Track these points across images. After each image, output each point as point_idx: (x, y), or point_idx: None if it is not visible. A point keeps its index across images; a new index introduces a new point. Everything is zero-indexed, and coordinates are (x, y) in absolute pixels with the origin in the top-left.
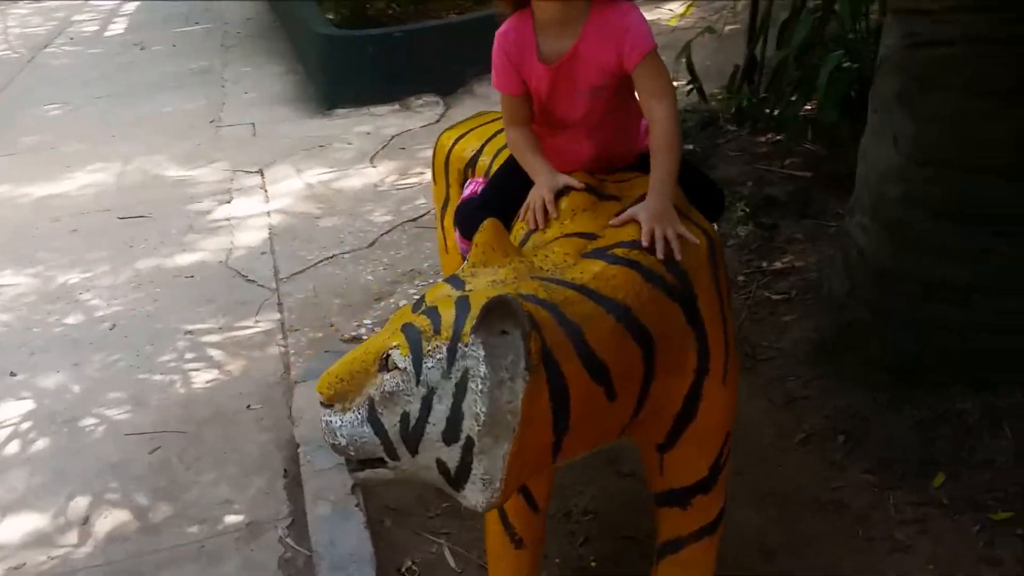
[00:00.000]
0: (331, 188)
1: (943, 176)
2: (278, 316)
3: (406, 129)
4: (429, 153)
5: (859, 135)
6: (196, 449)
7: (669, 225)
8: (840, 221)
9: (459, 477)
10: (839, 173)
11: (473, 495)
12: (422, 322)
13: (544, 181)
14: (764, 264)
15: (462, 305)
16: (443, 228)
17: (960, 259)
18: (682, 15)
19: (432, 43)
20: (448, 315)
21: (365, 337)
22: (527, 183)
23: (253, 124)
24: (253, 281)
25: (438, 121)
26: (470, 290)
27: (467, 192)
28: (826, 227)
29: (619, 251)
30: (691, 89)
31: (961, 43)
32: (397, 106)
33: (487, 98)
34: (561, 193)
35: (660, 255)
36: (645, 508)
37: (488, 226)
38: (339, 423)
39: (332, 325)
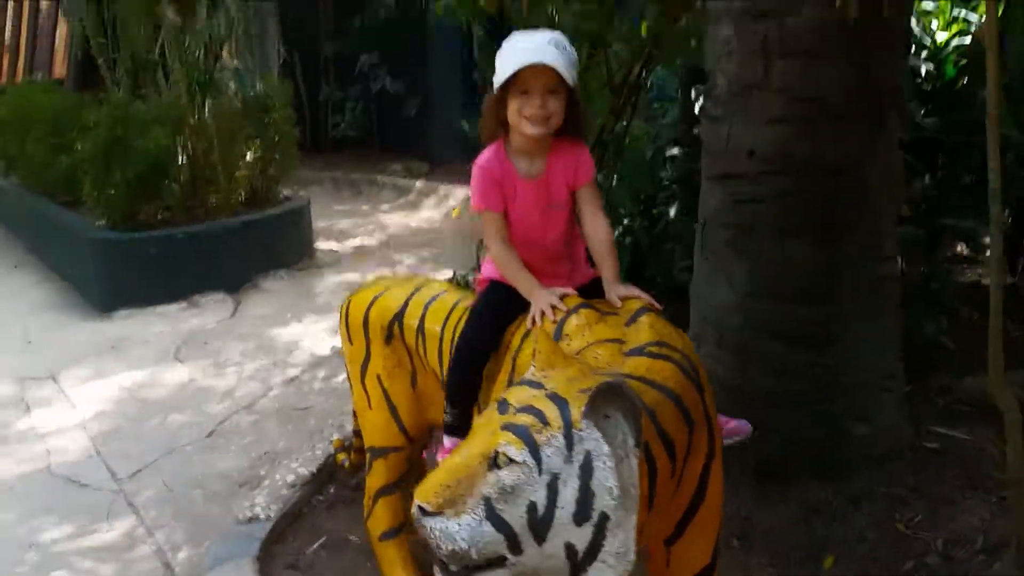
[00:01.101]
0: (143, 386)
1: (774, 305)
2: (133, 517)
3: (204, 326)
4: (234, 346)
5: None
6: None
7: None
8: None
9: (587, 558)
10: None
11: (601, 573)
12: (524, 419)
13: (542, 292)
14: None
15: (557, 399)
16: (364, 386)
17: (794, 373)
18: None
19: (216, 243)
20: (550, 409)
21: (262, 517)
22: (505, 312)
23: (24, 333)
24: (88, 485)
25: (232, 316)
26: (553, 388)
27: (441, 455)
28: None
29: (652, 348)
30: None
31: (773, 198)
32: (185, 304)
33: (275, 293)
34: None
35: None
36: None
37: (543, 337)
38: (456, 527)
39: (202, 518)
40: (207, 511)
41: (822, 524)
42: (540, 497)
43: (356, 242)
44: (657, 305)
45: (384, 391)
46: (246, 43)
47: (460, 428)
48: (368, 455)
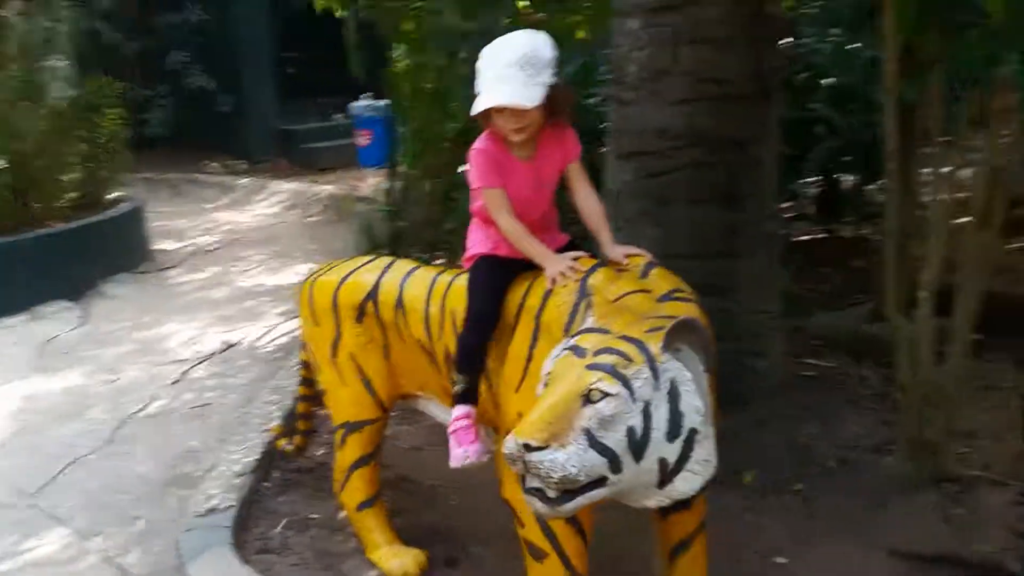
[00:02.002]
0: (18, 400)
1: (684, 263)
2: (62, 528)
3: (58, 335)
4: (101, 353)
5: None
6: None
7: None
8: None
9: (675, 470)
10: None
11: (688, 482)
12: (608, 359)
13: (556, 257)
14: None
15: (630, 340)
16: (336, 364)
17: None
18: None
19: (50, 250)
20: (628, 348)
21: (222, 507)
22: (502, 281)
23: None
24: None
25: (84, 323)
26: (621, 331)
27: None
28: None
29: (678, 294)
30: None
31: (683, 171)
32: (27, 316)
33: (124, 297)
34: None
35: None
36: None
37: (599, 292)
38: (565, 457)
39: (139, 518)
40: (143, 513)
41: (738, 446)
42: (637, 422)
43: (195, 242)
44: (655, 259)
45: (358, 366)
46: (68, 42)
47: (469, 394)
48: (341, 431)
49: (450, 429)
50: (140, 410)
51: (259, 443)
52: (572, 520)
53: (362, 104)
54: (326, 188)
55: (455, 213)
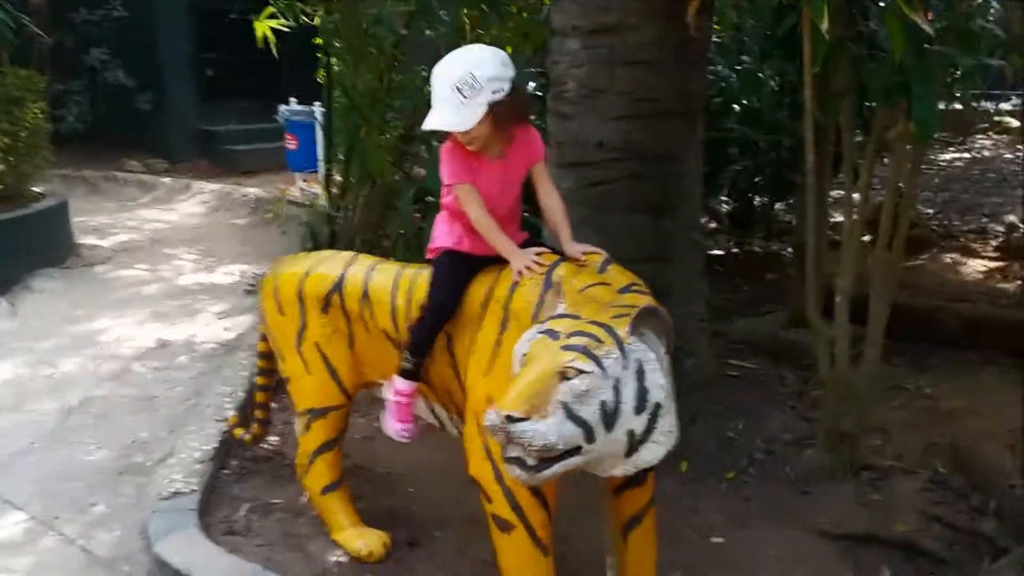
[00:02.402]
0: None
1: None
2: (19, 513)
3: None
4: (36, 347)
5: None
6: None
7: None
8: None
9: (641, 440)
10: None
11: (652, 451)
12: (580, 340)
13: (520, 252)
14: None
15: (599, 325)
16: (301, 353)
17: None
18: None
19: None
20: (598, 331)
21: (186, 492)
22: (464, 274)
23: None
24: None
25: (13, 318)
26: (589, 317)
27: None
28: None
29: (635, 287)
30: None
31: (620, 181)
32: None
33: (54, 292)
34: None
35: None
36: None
37: (568, 283)
38: (544, 428)
39: (96, 504)
40: (99, 499)
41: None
42: (609, 397)
43: (120, 239)
44: (610, 257)
45: (323, 356)
46: None
47: (415, 373)
48: (305, 418)
49: (392, 398)
50: (83, 403)
51: (215, 433)
52: (537, 493)
53: (290, 108)
54: (252, 190)
55: (396, 219)
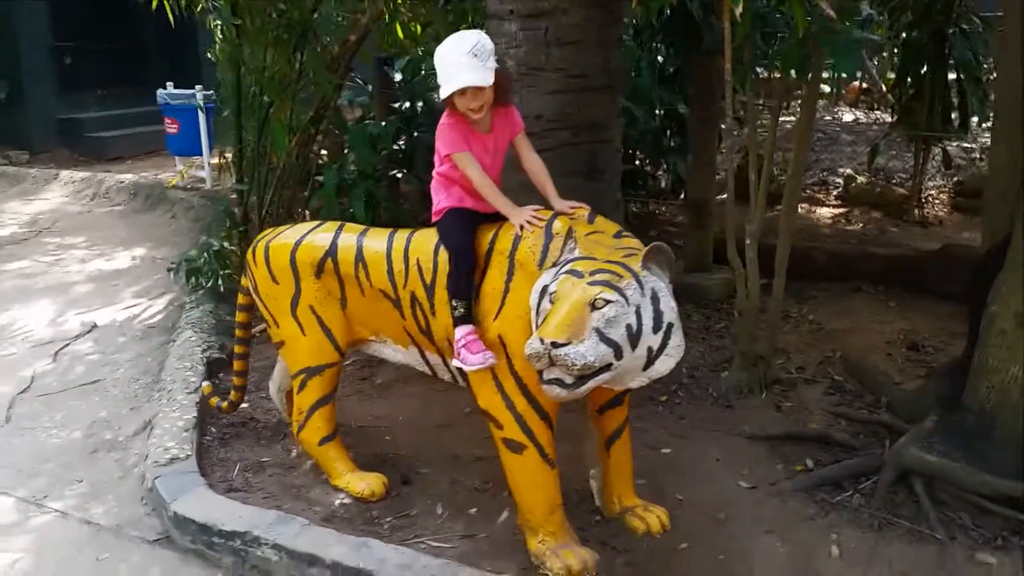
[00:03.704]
0: None
1: None
2: (6, 498)
3: None
4: None
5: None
6: None
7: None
8: None
9: (657, 354)
10: None
11: (665, 363)
12: (603, 276)
13: (518, 209)
14: None
15: (614, 263)
16: (296, 317)
17: None
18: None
19: None
20: (615, 268)
21: (183, 457)
22: (472, 226)
23: None
24: None
25: None
26: (604, 257)
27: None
28: None
29: (625, 233)
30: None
31: (557, 148)
32: None
33: None
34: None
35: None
36: None
37: (580, 230)
38: (584, 349)
39: (80, 480)
40: (82, 475)
41: None
42: (633, 321)
43: (1, 233)
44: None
45: (318, 317)
46: None
47: (467, 317)
48: (301, 377)
49: (460, 343)
50: (26, 392)
51: (189, 403)
52: (544, 416)
53: (170, 92)
54: (126, 177)
55: (320, 192)
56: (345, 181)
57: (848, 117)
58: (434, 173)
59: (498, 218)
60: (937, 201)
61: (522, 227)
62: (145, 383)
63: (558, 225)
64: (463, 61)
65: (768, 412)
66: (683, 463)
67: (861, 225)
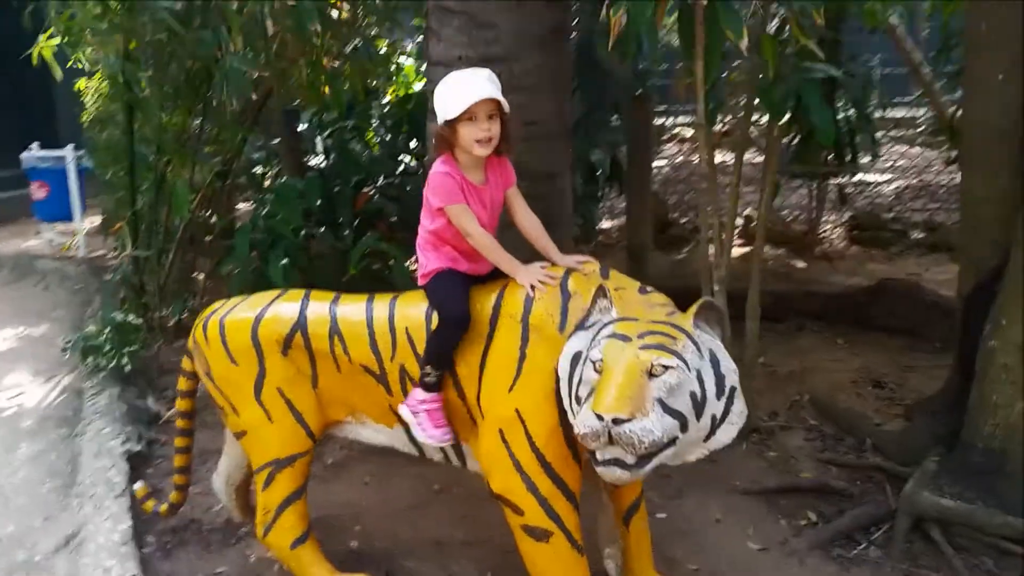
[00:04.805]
0: None
1: None
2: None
3: None
4: None
5: None
6: None
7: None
8: None
9: (719, 423)
10: None
11: (727, 432)
12: (655, 339)
13: (525, 268)
14: None
15: (664, 324)
16: (261, 402)
17: None
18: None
19: None
20: (665, 328)
21: None
22: (466, 289)
23: None
24: None
25: None
26: (648, 318)
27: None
28: None
29: (648, 288)
30: None
31: None
32: None
33: None
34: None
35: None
36: None
37: (613, 290)
38: (650, 425)
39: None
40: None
41: None
42: (696, 387)
43: None
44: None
45: (287, 400)
46: None
47: (437, 385)
48: (268, 471)
49: (423, 407)
50: None
51: (120, 511)
52: (571, 498)
53: (37, 154)
54: None
55: (231, 257)
56: (260, 243)
57: (718, 159)
58: (421, 231)
59: (488, 279)
60: (834, 236)
61: (533, 287)
62: (55, 486)
63: (573, 283)
64: (482, 84)
65: (754, 463)
66: (684, 527)
67: (769, 262)
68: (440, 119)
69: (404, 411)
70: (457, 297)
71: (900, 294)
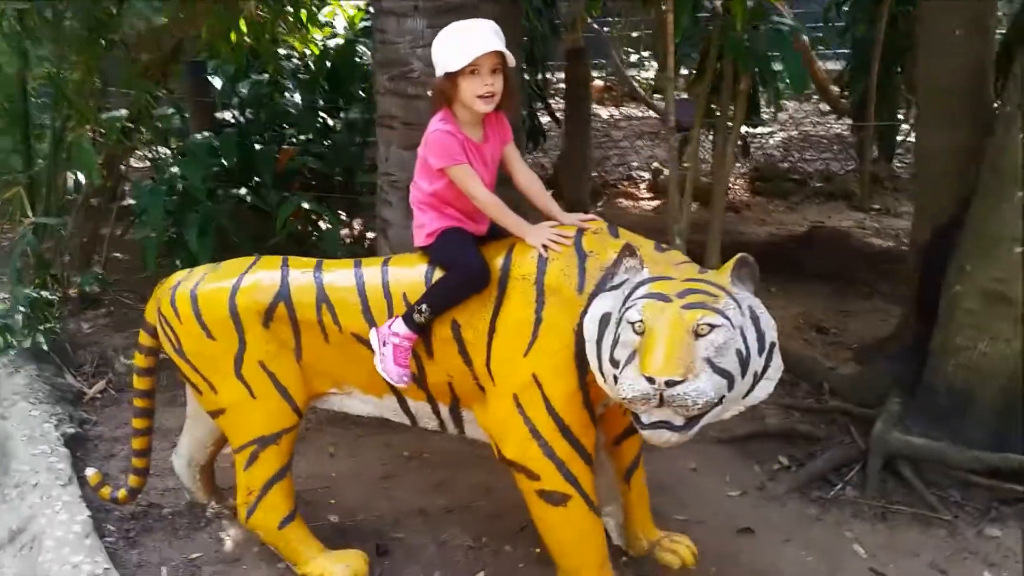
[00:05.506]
0: None
1: None
2: None
3: None
4: None
5: None
6: None
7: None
8: None
9: (758, 379)
10: None
11: (765, 387)
12: (696, 298)
13: (534, 228)
14: None
15: (697, 280)
16: (243, 378)
17: None
18: None
19: None
20: (703, 286)
21: (102, 572)
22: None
23: None
24: None
25: None
26: (682, 275)
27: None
28: None
29: (663, 244)
30: None
31: None
32: None
33: None
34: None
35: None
36: None
37: (644, 249)
38: (702, 385)
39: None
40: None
41: None
42: (741, 345)
43: None
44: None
45: (270, 374)
46: None
47: (424, 327)
48: (251, 449)
49: (392, 340)
50: None
51: (73, 499)
52: (588, 459)
53: None
54: None
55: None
56: (171, 206)
57: (604, 114)
58: (418, 192)
59: (488, 239)
60: (736, 187)
61: (545, 247)
62: None
63: (587, 243)
64: (487, 36)
65: None
66: (664, 480)
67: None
68: (440, 71)
69: (372, 335)
70: (472, 253)
71: (830, 242)
